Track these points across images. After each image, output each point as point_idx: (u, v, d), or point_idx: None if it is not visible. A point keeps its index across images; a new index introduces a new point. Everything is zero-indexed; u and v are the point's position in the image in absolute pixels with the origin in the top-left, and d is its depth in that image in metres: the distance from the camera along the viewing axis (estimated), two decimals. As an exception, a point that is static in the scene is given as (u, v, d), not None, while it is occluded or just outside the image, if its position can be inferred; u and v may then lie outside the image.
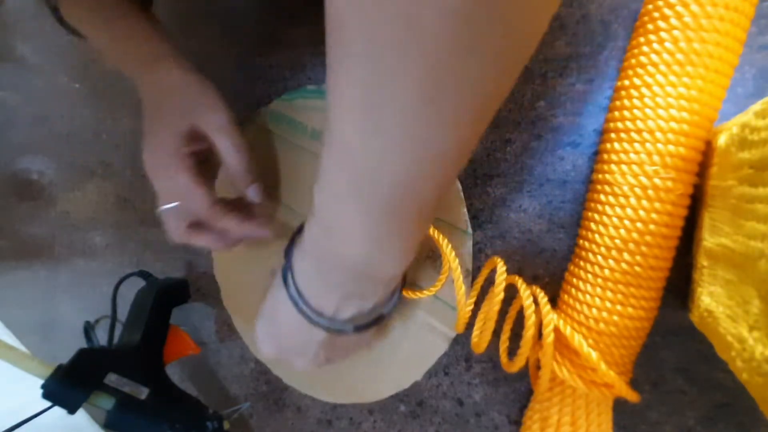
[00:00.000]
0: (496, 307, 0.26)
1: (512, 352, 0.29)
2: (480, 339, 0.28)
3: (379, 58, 0.14)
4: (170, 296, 0.41)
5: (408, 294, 0.30)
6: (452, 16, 0.12)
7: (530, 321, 0.25)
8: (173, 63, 0.30)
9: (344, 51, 0.15)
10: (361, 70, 0.14)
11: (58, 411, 0.31)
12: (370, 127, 0.16)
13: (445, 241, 0.28)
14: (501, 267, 0.26)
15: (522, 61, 0.15)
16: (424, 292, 0.30)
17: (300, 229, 0.25)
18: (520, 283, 0.26)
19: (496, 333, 0.29)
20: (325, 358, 0.28)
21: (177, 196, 0.30)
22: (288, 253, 0.26)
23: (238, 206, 0.32)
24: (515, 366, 0.27)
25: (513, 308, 0.28)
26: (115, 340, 0.39)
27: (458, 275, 0.27)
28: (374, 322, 0.27)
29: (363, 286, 0.24)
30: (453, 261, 0.28)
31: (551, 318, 0.25)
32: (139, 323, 0.37)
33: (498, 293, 0.26)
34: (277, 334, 0.28)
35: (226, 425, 0.37)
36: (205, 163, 0.31)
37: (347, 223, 0.20)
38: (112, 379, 0.33)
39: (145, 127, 0.30)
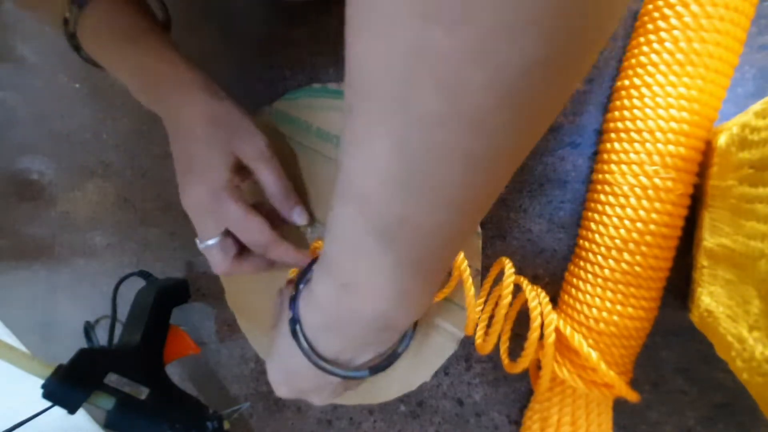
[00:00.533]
0: (504, 311, 0.26)
1: (512, 352, 0.29)
2: (487, 342, 0.28)
3: (418, 125, 0.13)
4: (170, 296, 0.41)
5: None
6: (503, 93, 0.11)
7: (536, 323, 0.25)
8: (206, 93, 0.29)
9: (373, 107, 0.13)
10: (395, 132, 0.13)
11: (58, 411, 0.31)
12: (403, 183, 0.14)
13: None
14: (509, 269, 0.26)
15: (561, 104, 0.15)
16: (437, 295, 0.30)
17: (303, 275, 0.24)
18: (525, 284, 0.26)
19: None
20: (344, 390, 0.27)
21: (228, 229, 0.30)
22: (294, 305, 0.23)
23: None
24: (518, 367, 0.27)
25: (514, 309, 0.28)
26: (115, 340, 0.39)
27: (467, 276, 0.27)
28: (390, 363, 0.25)
29: (381, 337, 0.22)
30: (462, 263, 0.27)
31: (552, 318, 0.25)
32: (139, 323, 0.37)
33: (506, 296, 0.26)
34: (291, 380, 0.26)
35: (226, 425, 0.37)
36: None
37: (369, 279, 0.18)
38: (112, 379, 0.33)
39: (181, 162, 0.30)
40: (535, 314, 0.25)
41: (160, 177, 0.45)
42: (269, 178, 0.30)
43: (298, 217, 0.31)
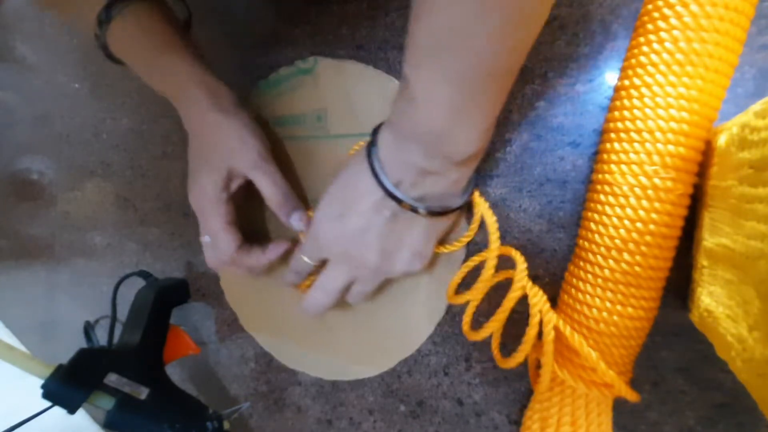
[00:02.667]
0: (511, 303, 0.27)
1: (504, 348, 0.29)
2: (480, 332, 0.28)
3: None
4: (170, 296, 0.41)
5: (439, 249, 0.31)
6: None
7: (535, 319, 0.25)
8: (209, 103, 0.31)
9: None
10: None
11: (58, 411, 0.31)
12: None
13: (477, 192, 0.30)
14: (522, 263, 0.27)
15: None
16: (455, 244, 0.31)
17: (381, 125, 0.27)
18: (526, 280, 0.26)
19: (487, 316, 0.30)
20: (381, 251, 0.28)
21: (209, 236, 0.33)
22: (374, 131, 0.27)
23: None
24: (512, 362, 0.27)
25: (508, 300, 0.29)
26: (115, 340, 0.39)
27: (490, 214, 0.29)
28: (444, 212, 0.27)
29: (439, 164, 0.24)
30: (483, 204, 0.29)
31: (551, 318, 0.25)
32: (139, 323, 0.37)
33: (517, 289, 0.26)
34: (342, 214, 0.27)
35: (226, 425, 0.37)
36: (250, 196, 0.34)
37: (430, 90, 0.21)
38: (112, 379, 0.33)
39: (191, 164, 0.33)
40: (534, 310, 0.25)
41: (160, 177, 0.45)
42: (263, 186, 0.32)
43: (296, 223, 0.32)
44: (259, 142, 0.32)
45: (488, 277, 0.29)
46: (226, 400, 0.43)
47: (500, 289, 0.28)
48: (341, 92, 0.35)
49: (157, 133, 0.45)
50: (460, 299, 0.30)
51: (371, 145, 0.26)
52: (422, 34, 0.20)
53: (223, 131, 0.31)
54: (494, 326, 0.27)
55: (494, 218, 0.29)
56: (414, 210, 0.26)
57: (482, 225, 0.31)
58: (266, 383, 0.41)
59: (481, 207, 0.30)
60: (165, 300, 0.40)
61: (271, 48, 0.38)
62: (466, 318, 0.30)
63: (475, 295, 0.29)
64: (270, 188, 0.32)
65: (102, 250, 0.50)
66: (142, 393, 0.34)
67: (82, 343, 0.46)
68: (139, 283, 0.43)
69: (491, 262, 0.28)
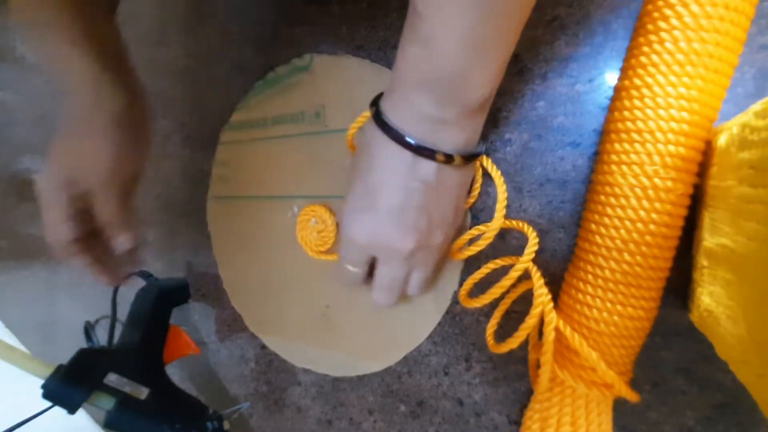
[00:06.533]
0: (509, 282, 0.26)
1: (500, 339, 0.28)
2: (477, 301, 0.28)
3: None
4: (170, 296, 0.41)
5: (458, 255, 0.30)
6: None
7: (537, 309, 0.25)
8: (89, 92, 0.29)
9: None
10: None
11: (58, 411, 0.31)
12: None
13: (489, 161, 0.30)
14: (533, 237, 0.27)
15: None
16: (464, 237, 0.30)
17: (380, 95, 0.26)
18: (531, 265, 0.27)
19: (487, 315, 0.30)
20: (428, 223, 0.26)
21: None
22: (374, 103, 0.25)
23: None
24: (505, 347, 0.27)
25: (515, 291, 0.29)
26: (115, 340, 0.40)
27: (501, 183, 0.29)
28: (474, 157, 0.26)
29: (457, 113, 0.23)
30: (498, 179, 0.29)
31: (552, 317, 0.25)
32: (139, 323, 0.37)
33: (522, 265, 0.26)
34: (373, 201, 0.25)
35: (226, 425, 0.37)
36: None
37: (451, 24, 0.20)
38: (112, 379, 0.33)
39: (56, 136, 0.31)
40: (538, 301, 0.25)
41: (160, 177, 0.45)
42: (99, 210, 0.31)
43: (120, 245, 0.32)
44: (102, 165, 0.30)
45: (489, 237, 0.28)
46: (226, 400, 0.43)
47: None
48: (338, 87, 0.35)
49: (157, 134, 0.45)
50: (475, 303, 0.29)
51: (377, 114, 0.24)
52: None
53: (88, 128, 0.30)
54: (521, 335, 0.27)
55: (503, 185, 0.29)
56: (449, 159, 0.24)
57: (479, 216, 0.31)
58: (266, 383, 0.41)
59: (492, 172, 0.29)
60: (165, 300, 0.40)
61: (271, 48, 0.38)
62: (489, 336, 0.29)
63: (487, 300, 0.29)
64: (103, 206, 0.31)
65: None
66: (143, 393, 0.34)
67: (82, 343, 0.46)
68: (140, 283, 0.43)
69: (492, 232, 0.29)
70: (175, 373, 0.44)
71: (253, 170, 0.40)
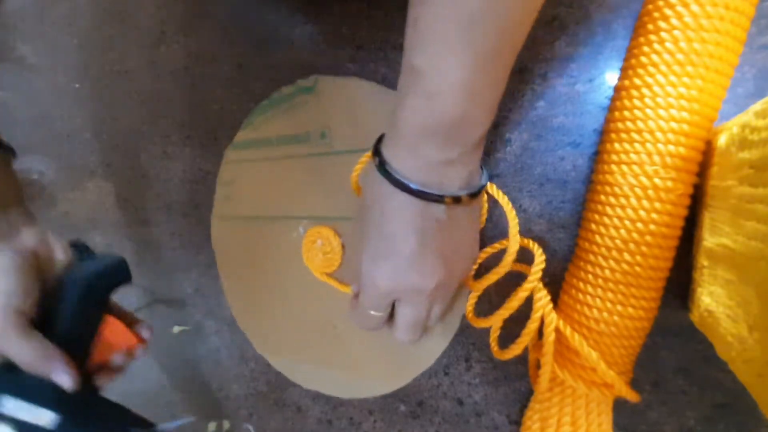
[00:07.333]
0: (525, 293, 0.26)
1: (501, 339, 0.28)
2: (485, 321, 0.28)
3: None
4: (99, 283, 0.31)
5: (474, 287, 0.30)
6: None
7: (537, 314, 0.25)
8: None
9: None
10: None
11: None
12: None
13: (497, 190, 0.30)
14: (539, 255, 0.27)
15: None
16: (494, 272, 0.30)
17: (380, 140, 0.26)
18: (540, 274, 0.26)
19: (487, 315, 0.30)
20: (444, 261, 0.26)
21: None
22: (376, 151, 0.26)
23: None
24: (510, 353, 0.27)
25: (516, 298, 0.29)
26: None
27: (510, 208, 0.29)
28: (479, 192, 0.26)
29: (458, 152, 0.24)
30: (507, 205, 0.29)
31: (552, 318, 0.25)
32: (50, 324, 0.28)
33: (532, 282, 0.26)
34: (390, 249, 0.26)
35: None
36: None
37: (451, 77, 0.21)
38: (8, 406, 0.26)
39: None
40: (538, 305, 0.25)
41: (160, 177, 0.45)
42: (11, 354, 0.27)
43: (59, 378, 0.27)
44: (15, 313, 0.26)
45: (507, 263, 0.28)
46: (226, 400, 0.43)
47: (510, 282, 0.28)
48: (344, 109, 0.35)
49: (157, 133, 0.45)
50: (482, 323, 0.29)
51: (382, 165, 0.25)
52: (438, 20, 0.20)
53: None
54: (524, 340, 0.27)
55: (512, 210, 0.29)
56: (457, 200, 0.24)
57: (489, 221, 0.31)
58: (266, 383, 0.41)
59: (500, 199, 0.29)
60: (92, 290, 0.30)
61: (271, 48, 0.38)
62: (493, 343, 0.29)
63: (496, 321, 0.29)
64: (23, 356, 0.27)
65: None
66: (50, 420, 0.27)
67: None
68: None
69: (510, 257, 0.28)
70: (175, 373, 0.44)
71: (258, 190, 0.39)
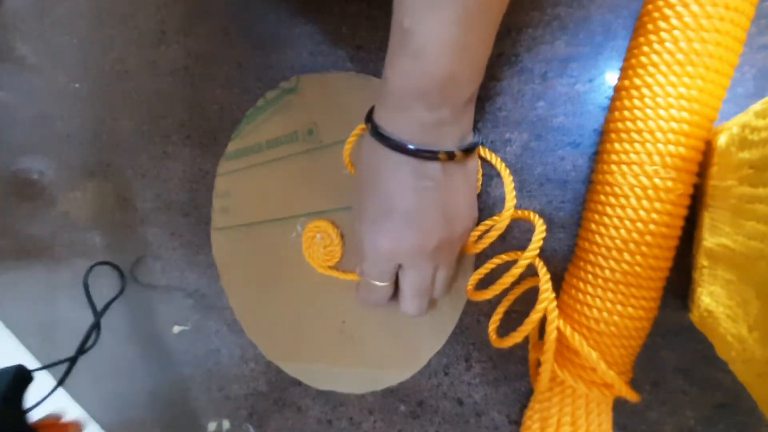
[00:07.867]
0: (520, 270, 0.26)
1: (503, 335, 0.28)
2: (485, 293, 0.28)
3: None
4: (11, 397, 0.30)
5: (475, 249, 0.30)
6: None
7: (542, 305, 0.25)
8: None
9: None
10: None
11: None
12: None
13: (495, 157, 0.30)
14: (540, 225, 0.27)
15: None
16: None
17: (371, 111, 0.27)
18: (537, 260, 0.27)
19: (487, 315, 0.30)
20: (444, 220, 0.26)
21: None
22: (368, 119, 0.26)
23: None
24: (507, 342, 0.27)
25: (520, 288, 0.29)
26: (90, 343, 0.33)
27: (507, 174, 0.30)
28: (473, 148, 0.27)
29: (449, 111, 0.24)
30: (502, 168, 0.29)
31: (555, 316, 0.25)
32: None
33: (530, 255, 0.27)
34: (387, 210, 0.26)
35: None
36: None
37: (440, 35, 0.21)
38: None
39: None
40: (543, 296, 0.25)
41: (160, 177, 0.45)
42: None
43: None
44: None
45: (501, 227, 0.29)
46: (226, 400, 0.43)
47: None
48: (327, 102, 0.35)
49: (157, 133, 0.45)
50: (482, 296, 0.29)
51: (375, 129, 0.25)
52: None
53: None
54: (526, 329, 0.27)
55: (506, 170, 0.30)
56: (451, 156, 0.25)
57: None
58: (266, 383, 0.41)
59: (493, 161, 0.30)
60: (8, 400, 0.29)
61: (271, 48, 0.38)
62: (492, 334, 0.29)
63: (496, 290, 0.28)
64: None
65: (102, 250, 0.50)
66: None
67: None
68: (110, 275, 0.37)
69: (505, 220, 0.29)
70: (175, 373, 0.44)
71: (253, 197, 0.39)
